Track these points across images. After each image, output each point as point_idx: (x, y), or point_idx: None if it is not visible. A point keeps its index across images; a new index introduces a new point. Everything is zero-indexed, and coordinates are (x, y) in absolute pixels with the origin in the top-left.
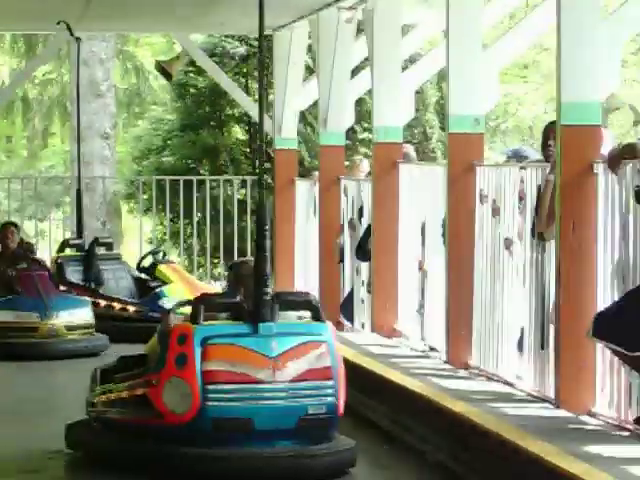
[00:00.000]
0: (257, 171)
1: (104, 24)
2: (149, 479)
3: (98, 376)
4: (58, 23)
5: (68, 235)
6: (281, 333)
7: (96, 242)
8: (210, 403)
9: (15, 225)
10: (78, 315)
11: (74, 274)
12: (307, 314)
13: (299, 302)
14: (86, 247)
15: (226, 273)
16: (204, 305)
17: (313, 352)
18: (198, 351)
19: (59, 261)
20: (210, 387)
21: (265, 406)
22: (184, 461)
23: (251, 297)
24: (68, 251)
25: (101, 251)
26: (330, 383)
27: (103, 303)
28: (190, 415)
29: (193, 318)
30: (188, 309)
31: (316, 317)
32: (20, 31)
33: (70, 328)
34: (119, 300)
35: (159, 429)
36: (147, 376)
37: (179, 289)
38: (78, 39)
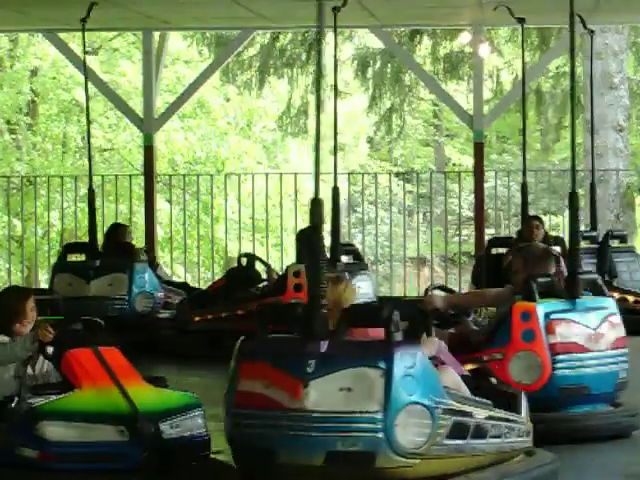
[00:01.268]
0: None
1: (617, 16)
2: None
3: None
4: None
5: (582, 228)
6: None
7: (610, 234)
8: (557, 372)
9: (539, 219)
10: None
11: (588, 266)
12: None
13: None
14: (600, 239)
15: None
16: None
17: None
18: (543, 326)
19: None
20: (557, 358)
21: (598, 372)
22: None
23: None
24: (582, 244)
25: (615, 243)
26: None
27: (617, 296)
28: (539, 384)
29: (530, 296)
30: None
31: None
32: (535, 25)
33: None
34: (633, 293)
35: None
36: (485, 352)
37: None
38: (592, 32)
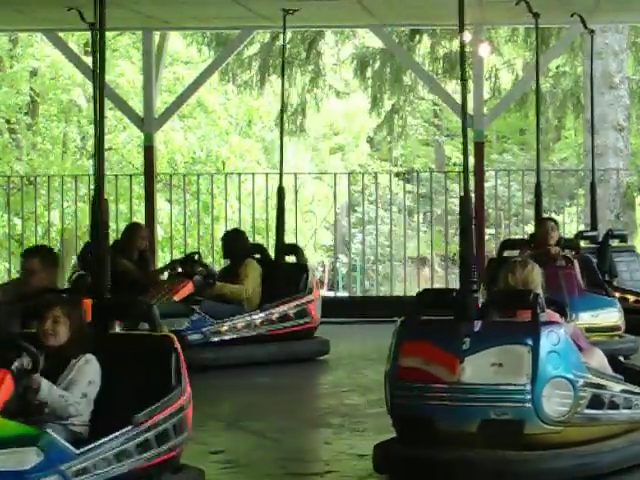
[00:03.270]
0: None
1: (617, 15)
2: None
3: None
4: (572, 15)
5: (582, 227)
6: None
7: (610, 234)
8: None
9: (554, 221)
10: (602, 316)
11: None
12: None
13: None
14: (600, 239)
15: None
16: None
17: None
18: None
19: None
20: None
21: None
22: None
23: None
24: (582, 243)
25: (615, 243)
26: None
27: (617, 295)
28: None
29: None
30: None
31: None
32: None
33: (591, 330)
34: (633, 292)
35: None
36: None
37: None
38: (592, 31)
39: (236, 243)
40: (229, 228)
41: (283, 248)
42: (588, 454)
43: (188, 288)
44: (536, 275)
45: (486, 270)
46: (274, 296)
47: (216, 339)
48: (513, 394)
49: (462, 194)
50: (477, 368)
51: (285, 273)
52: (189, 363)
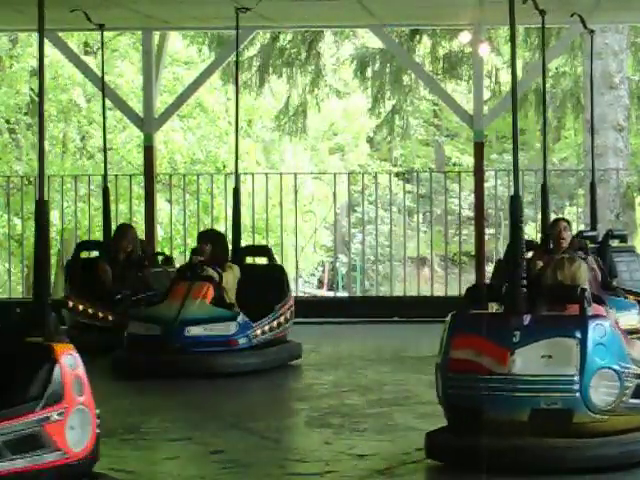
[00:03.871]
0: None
1: (617, 15)
2: None
3: None
4: (572, 15)
5: (582, 227)
6: None
7: (610, 234)
8: None
9: (567, 221)
10: (622, 319)
11: None
12: None
13: None
14: (600, 239)
15: None
16: None
17: None
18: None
19: None
20: None
21: None
22: None
23: None
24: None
25: (615, 243)
26: None
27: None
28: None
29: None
30: None
31: None
32: (536, 25)
33: None
34: (633, 293)
35: None
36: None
37: None
38: (592, 31)
39: (219, 244)
40: (229, 229)
41: (240, 250)
42: (632, 442)
43: (211, 291)
44: (583, 271)
45: (494, 271)
46: (261, 299)
47: (255, 342)
48: (562, 384)
49: (512, 194)
50: (527, 360)
51: (262, 275)
52: (237, 368)
